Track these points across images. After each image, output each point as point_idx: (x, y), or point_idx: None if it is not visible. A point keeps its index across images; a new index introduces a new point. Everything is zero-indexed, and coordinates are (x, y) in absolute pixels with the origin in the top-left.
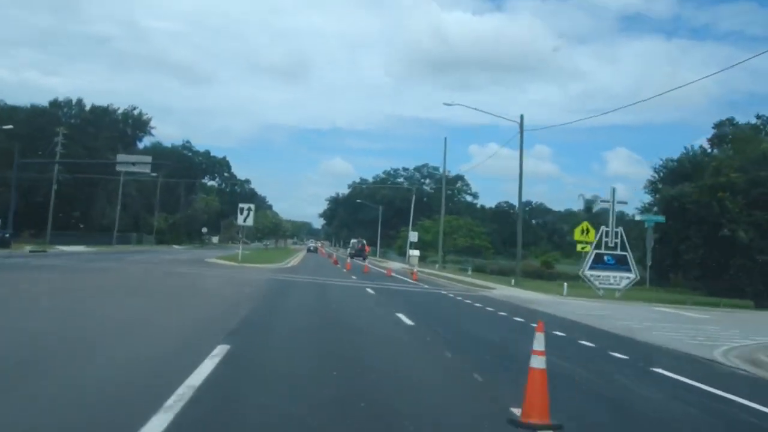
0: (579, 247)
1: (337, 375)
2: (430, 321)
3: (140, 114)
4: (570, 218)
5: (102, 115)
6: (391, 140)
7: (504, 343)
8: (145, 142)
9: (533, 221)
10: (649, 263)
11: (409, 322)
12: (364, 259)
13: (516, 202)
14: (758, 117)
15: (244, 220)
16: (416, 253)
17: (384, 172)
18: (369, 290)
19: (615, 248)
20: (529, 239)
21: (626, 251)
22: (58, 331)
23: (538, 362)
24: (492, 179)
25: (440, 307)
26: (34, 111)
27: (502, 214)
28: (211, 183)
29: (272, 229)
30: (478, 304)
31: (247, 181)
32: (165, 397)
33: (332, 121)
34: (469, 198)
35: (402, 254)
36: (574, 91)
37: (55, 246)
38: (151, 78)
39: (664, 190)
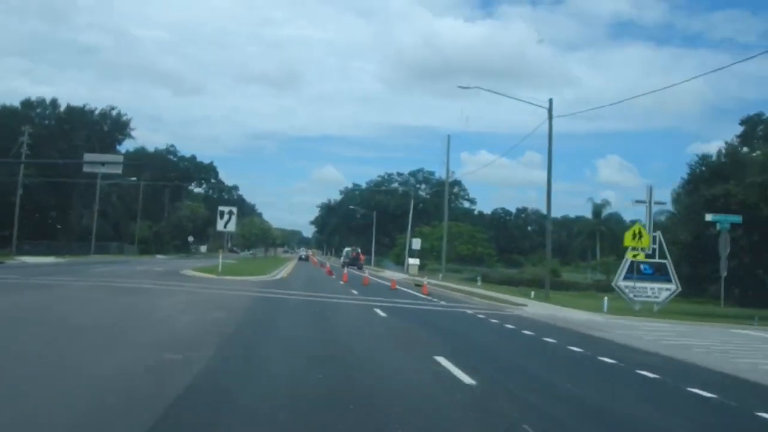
0: (630, 254)
1: None
2: (490, 371)
3: (119, 114)
4: (569, 225)
5: (78, 116)
6: (382, 148)
7: (647, 420)
8: (127, 145)
9: (528, 228)
10: (724, 274)
11: (463, 377)
12: (359, 268)
13: (513, 209)
14: None
15: (225, 225)
16: (416, 261)
17: (378, 177)
18: (379, 312)
19: (652, 255)
20: (526, 246)
21: (666, 258)
22: None
23: None
24: (485, 187)
25: (485, 340)
26: (4, 111)
27: (498, 220)
28: (197, 190)
29: (261, 237)
30: (527, 332)
31: (235, 188)
32: None
33: (322, 129)
34: (466, 204)
35: (399, 263)
36: (567, 98)
37: (18, 257)
38: (140, 87)
39: (703, 189)
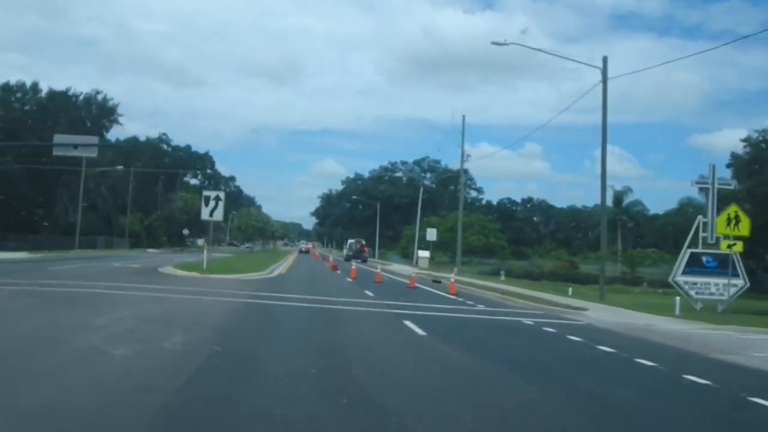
0: (724, 245)
1: None
2: None
3: (105, 99)
4: (575, 214)
5: (61, 100)
6: (382, 141)
7: None
8: (116, 134)
9: (534, 218)
10: None
11: None
12: (364, 261)
13: (518, 199)
14: None
15: (211, 214)
16: (426, 254)
17: (381, 167)
18: (413, 327)
19: (715, 246)
20: (532, 238)
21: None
22: None
23: None
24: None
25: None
26: None
27: (504, 211)
28: (193, 181)
29: (258, 230)
30: (641, 361)
31: (232, 179)
32: None
33: (323, 122)
34: (473, 193)
35: (406, 255)
36: (566, 91)
37: None
38: (140, 80)
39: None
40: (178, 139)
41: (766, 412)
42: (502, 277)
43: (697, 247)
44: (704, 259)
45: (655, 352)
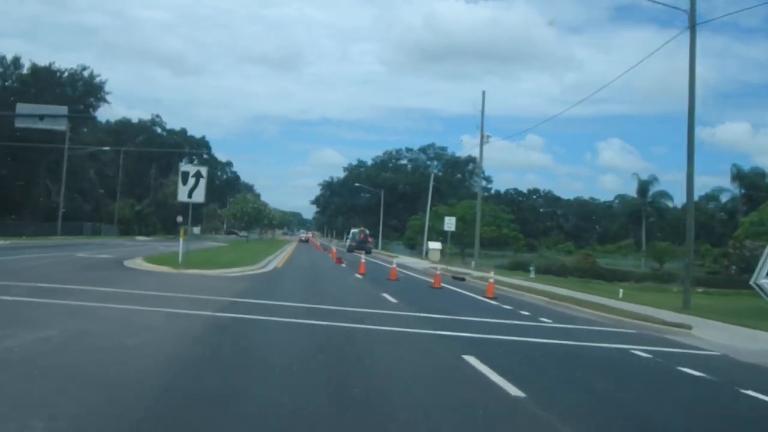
0: None
1: None
2: None
3: (91, 75)
4: (585, 206)
5: (44, 76)
6: (383, 131)
7: None
8: (106, 114)
9: (541, 210)
10: None
11: None
12: (368, 252)
13: (525, 189)
14: None
15: (190, 194)
16: (437, 246)
17: (385, 153)
18: (479, 366)
19: None
20: (539, 229)
21: None
22: None
23: None
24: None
25: None
26: None
27: (511, 202)
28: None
29: (255, 217)
30: None
31: (229, 164)
32: None
33: (323, 112)
34: (482, 182)
35: (412, 247)
36: (568, 81)
37: None
38: (140, 69)
39: None
40: (177, 127)
41: None
42: (532, 274)
43: None
44: None
45: None
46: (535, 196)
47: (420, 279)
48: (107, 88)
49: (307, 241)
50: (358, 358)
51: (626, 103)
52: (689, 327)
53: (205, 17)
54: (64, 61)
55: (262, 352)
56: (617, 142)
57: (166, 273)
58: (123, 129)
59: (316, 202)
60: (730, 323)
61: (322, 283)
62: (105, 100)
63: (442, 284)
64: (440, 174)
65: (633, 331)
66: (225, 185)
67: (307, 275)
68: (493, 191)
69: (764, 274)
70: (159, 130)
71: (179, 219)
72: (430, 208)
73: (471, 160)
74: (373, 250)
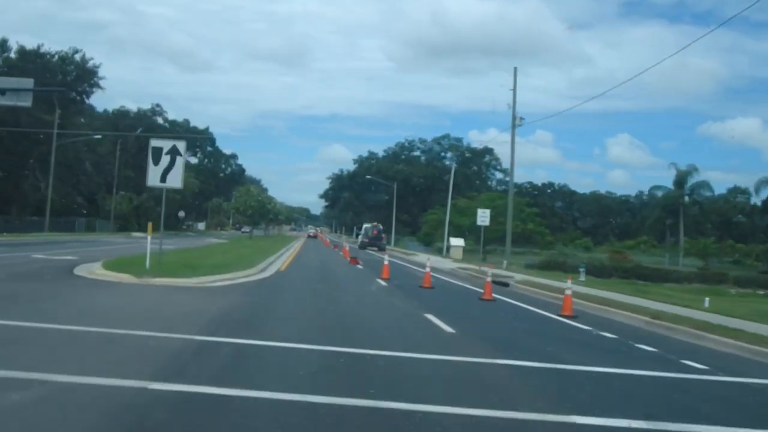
0: None
1: None
2: None
3: (83, 59)
4: (600, 200)
5: (32, 59)
6: (391, 127)
7: None
8: (100, 101)
9: (558, 203)
10: None
11: None
12: (381, 249)
13: (539, 183)
14: None
15: (163, 177)
16: (460, 243)
17: (397, 144)
18: None
19: None
20: (555, 224)
21: None
22: None
23: None
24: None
25: None
26: None
27: (526, 196)
28: (192, 160)
29: (259, 211)
30: None
31: (234, 156)
32: None
33: (330, 108)
34: (498, 175)
35: (428, 243)
36: (576, 77)
37: None
38: (147, 64)
39: None
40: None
41: None
42: (582, 277)
43: None
44: None
45: None
46: (549, 191)
47: (457, 285)
48: (101, 73)
49: (315, 236)
50: None
51: (634, 98)
52: None
53: (212, 13)
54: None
55: None
56: (626, 138)
57: (121, 284)
58: (121, 119)
59: (325, 196)
60: None
61: (339, 296)
62: (99, 86)
63: (500, 296)
64: (456, 166)
65: None
66: (230, 179)
67: (317, 283)
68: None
69: None
70: (160, 120)
71: (181, 214)
72: (444, 202)
73: (487, 151)
74: (387, 247)
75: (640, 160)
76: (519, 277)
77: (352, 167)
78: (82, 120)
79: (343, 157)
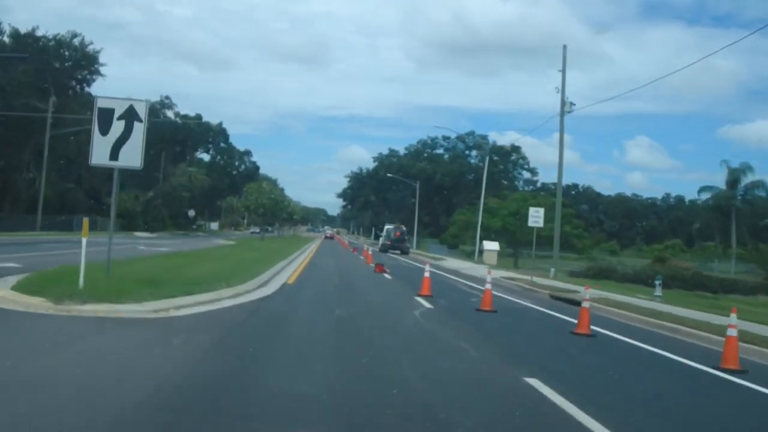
0: None
1: None
2: None
3: (83, 43)
4: (625, 202)
5: (29, 43)
6: (410, 128)
7: None
8: (103, 89)
9: (584, 206)
10: None
11: None
12: (404, 252)
13: (569, 186)
14: None
15: (115, 153)
16: (494, 247)
17: (419, 142)
18: None
19: None
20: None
21: None
22: None
23: None
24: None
25: None
26: None
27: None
28: (204, 157)
29: (272, 210)
30: None
31: (248, 153)
32: None
33: (350, 108)
34: (526, 174)
35: (453, 246)
36: (598, 78)
37: None
38: (167, 64)
39: None
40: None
41: None
42: (658, 291)
43: None
44: None
45: None
46: (573, 192)
47: (520, 306)
48: (102, 59)
49: (332, 237)
50: None
51: (653, 101)
52: None
53: (232, 12)
54: None
55: None
56: (645, 140)
57: (24, 316)
58: None
59: (343, 195)
60: None
61: (371, 334)
62: (99, 73)
63: (541, 310)
64: (481, 164)
65: None
66: (244, 176)
67: (336, 306)
68: (539, 184)
69: None
70: (170, 114)
71: (191, 213)
72: (474, 202)
73: (514, 149)
74: (410, 250)
75: (660, 163)
76: (585, 291)
77: (371, 165)
78: (89, 113)
79: (362, 158)
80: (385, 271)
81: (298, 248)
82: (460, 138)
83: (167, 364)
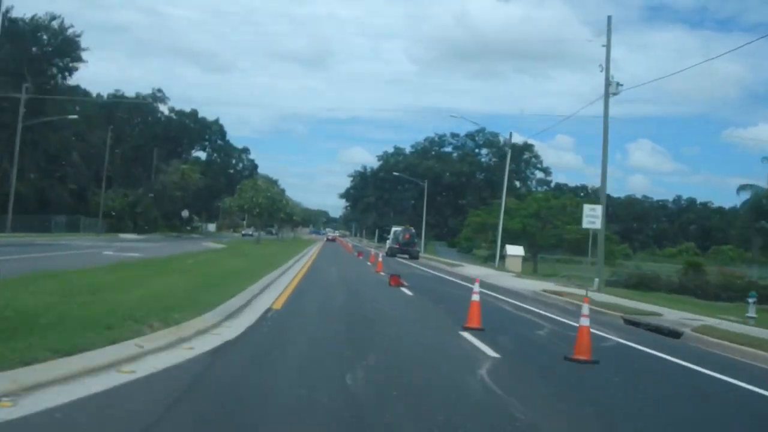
0: None
1: None
2: None
3: (62, 27)
4: (634, 204)
5: (7, 27)
6: (413, 131)
7: None
8: (85, 78)
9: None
10: None
11: None
12: (414, 257)
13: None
14: None
15: None
16: (518, 252)
17: (426, 140)
18: None
19: None
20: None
21: None
22: None
23: None
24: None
25: None
26: None
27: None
28: (200, 155)
29: (268, 209)
30: None
31: (246, 151)
32: None
33: (352, 110)
34: (539, 174)
35: (467, 250)
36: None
37: None
38: (170, 66)
39: None
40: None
41: None
42: (752, 312)
43: None
44: None
45: None
46: (582, 194)
47: (614, 342)
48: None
49: (334, 240)
50: None
51: (656, 103)
52: None
53: (234, 14)
54: (93, 59)
55: None
56: (647, 143)
57: None
58: (117, 105)
59: (346, 195)
60: None
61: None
62: (81, 59)
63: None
64: (491, 163)
65: None
66: (242, 175)
67: (342, 356)
68: (553, 185)
69: None
70: (163, 108)
71: (185, 213)
72: (490, 200)
73: (527, 148)
74: (420, 255)
75: (661, 167)
76: (667, 313)
77: (376, 165)
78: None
79: (364, 160)
80: (402, 284)
81: (296, 253)
82: (469, 136)
83: None
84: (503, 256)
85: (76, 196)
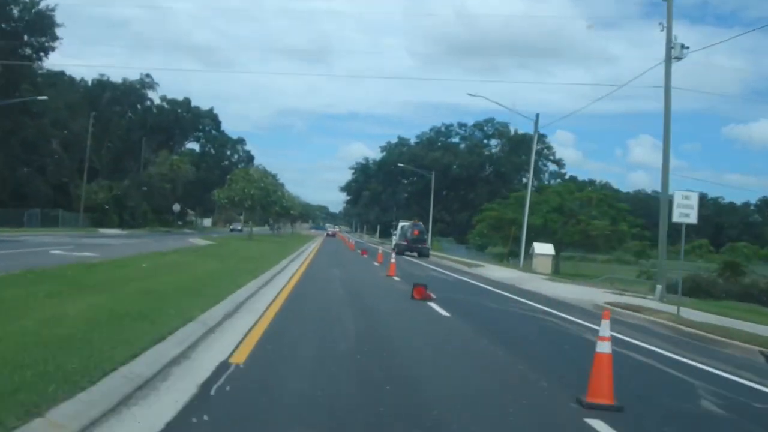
0: None
1: None
2: None
3: (33, 2)
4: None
5: None
6: (412, 127)
7: None
8: (63, 61)
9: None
10: None
11: None
12: (423, 255)
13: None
14: None
15: None
16: (547, 251)
17: (431, 130)
18: None
19: None
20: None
21: None
22: None
23: None
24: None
25: None
26: None
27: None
28: (194, 146)
29: (261, 201)
30: None
31: (241, 141)
32: None
33: (351, 106)
34: (552, 166)
35: (480, 247)
36: (602, 76)
37: None
38: (169, 61)
39: None
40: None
41: None
42: None
43: None
44: None
45: None
46: (590, 189)
47: None
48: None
49: (333, 236)
50: None
51: (656, 99)
52: None
53: (233, 10)
54: (94, 54)
55: None
56: (648, 139)
57: None
58: (102, 92)
59: (347, 188)
60: None
61: None
62: (56, 37)
63: None
64: (502, 155)
65: None
66: (236, 168)
67: None
68: (567, 177)
69: None
70: (152, 94)
71: (176, 207)
72: (503, 192)
73: (541, 137)
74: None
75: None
76: (707, 321)
77: (378, 157)
78: (57, 94)
79: (364, 156)
80: (431, 297)
81: (292, 251)
82: (477, 126)
83: None
84: (530, 255)
85: (58, 188)
